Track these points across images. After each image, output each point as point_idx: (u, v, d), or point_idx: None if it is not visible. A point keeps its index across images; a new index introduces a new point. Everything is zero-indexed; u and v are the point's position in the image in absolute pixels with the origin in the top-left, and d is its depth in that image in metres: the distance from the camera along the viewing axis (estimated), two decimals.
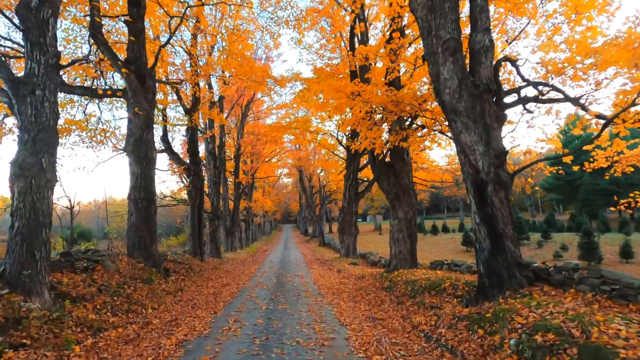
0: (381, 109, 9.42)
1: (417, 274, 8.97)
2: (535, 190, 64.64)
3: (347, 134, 21.25)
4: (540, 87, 7.02)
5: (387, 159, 11.57)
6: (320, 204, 39.96)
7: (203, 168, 22.33)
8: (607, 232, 32.55)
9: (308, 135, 23.68)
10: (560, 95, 6.84)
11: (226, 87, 17.13)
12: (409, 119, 9.97)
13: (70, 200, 11.53)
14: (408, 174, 11.37)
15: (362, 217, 76.50)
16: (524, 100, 6.72)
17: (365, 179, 22.94)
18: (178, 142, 44.78)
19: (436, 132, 8.96)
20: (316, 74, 15.16)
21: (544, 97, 6.89)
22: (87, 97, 10.89)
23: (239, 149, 23.95)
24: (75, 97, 12.09)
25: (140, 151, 9.83)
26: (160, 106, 14.86)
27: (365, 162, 23.35)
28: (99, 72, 10.07)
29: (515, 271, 5.97)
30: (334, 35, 17.09)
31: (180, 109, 16.30)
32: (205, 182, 23.63)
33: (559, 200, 58.66)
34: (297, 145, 32.13)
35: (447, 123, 8.21)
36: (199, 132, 20.67)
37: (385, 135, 10.62)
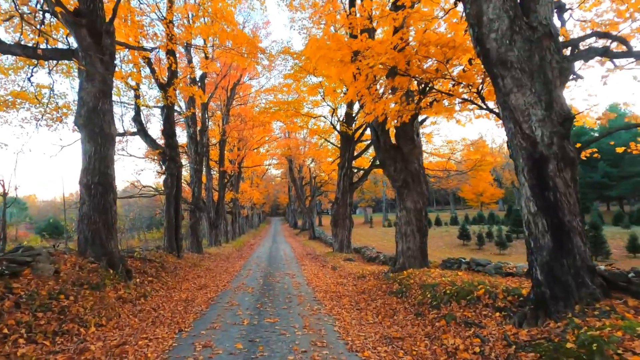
0: (388, 75, 7.74)
1: (433, 275, 7.40)
2: None
3: (342, 119, 19.55)
4: (605, 41, 5.43)
5: (393, 141, 9.93)
6: (310, 196, 38.28)
7: (185, 155, 20.44)
8: (603, 225, 31.89)
9: (299, 121, 21.90)
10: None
11: (208, 62, 15.18)
12: (423, 87, 8.30)
13: (2, 185, 9.53)
14: (418, 157, 9.76)
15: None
16: (592, 52, 5.11)
17: (361, 169, 21.33)
18: (157, 127, 42.36)
19: (459, 103, 7.29)
20: (310, 44, 13.34)
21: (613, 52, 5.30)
22: (29, 60, 8.88)
23: (224, 135, 22.01)
24: (21, 63, 10.05)
25: (94, 125, 7.94)
26: (133, 82, 12.88)
27: (360, 150, 21.74)
28: (39, 29, 8.09)
29: (586, 278, 4.42)
30: None
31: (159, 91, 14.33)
32: (187, 170, 21.74)
33: None
34: (287, 133, 30.28)
35: (479, 88, 6.61)
36: (177, 113, 18.72)
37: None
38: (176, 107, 19.56)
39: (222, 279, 10.49)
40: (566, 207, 4.48)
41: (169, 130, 13.84)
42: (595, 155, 7.75)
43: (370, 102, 7.79)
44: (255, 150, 30.16)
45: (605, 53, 5.01)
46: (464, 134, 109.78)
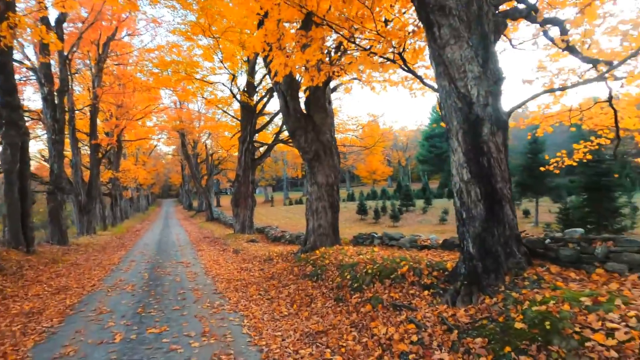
0: (302, 26, 6.65)
1: (350, 254, 6.85)
2: (408, 162, 71.91)
3: (242, 88, 17.75)
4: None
5: (303, 110, 8.97)
6: (207, 175, 35.26)
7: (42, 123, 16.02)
8: None
9: (192, 89, 19.23)
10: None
11: (65, 0, 11.64)
12: (338, 45, 7.45)
13: None
14: (330, 127, 9.04)
15: None
16: (517, 12, 4.85)
17: (264, 144, 20.01)
18: None
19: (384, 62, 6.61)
20: None
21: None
22: None
23: (96, 99, 17.92)
24: None
25: None
26: None
27: (262, 124, 20.34)
28: None
29: (514, 247, 4.23)
30: None
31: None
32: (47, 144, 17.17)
33: (429, 171, 66.08)
34: (178, 103, 26.75)
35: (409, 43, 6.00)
36: (19, 64, 14.46)
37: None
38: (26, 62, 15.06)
39: (92, 277, 8.27)
40: (498, 173, 4.17)
41: (6, 85, 10.25)
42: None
43: (280, 56, 6.57)
44: (140, 121, 25.86)
45: (528, 16, 4.82)
46: (361, 112, 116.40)
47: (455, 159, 4.35)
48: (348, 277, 5.79)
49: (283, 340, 4.15)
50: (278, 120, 20.65)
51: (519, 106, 4.52)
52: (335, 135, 10.04)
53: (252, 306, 5.58)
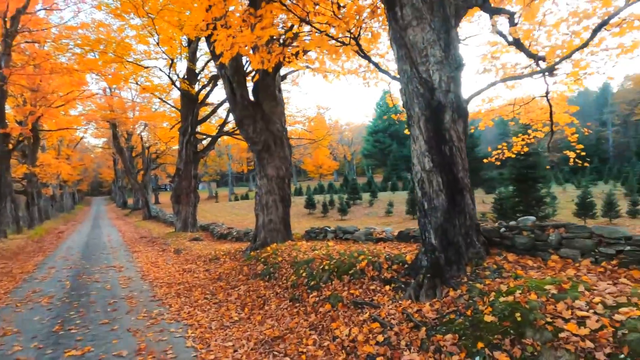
0: (252, 3, 6.07)
1: (303, 249, 6.49)
2: (354, 156, 73.62)
3: (183, 76, 16.42)
4: None
5: (250, 98, 8.36)
6: (144, 170, 32.54)
7: None
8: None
9: (124, 74, 17.37)
10: None
11: None
12: (291, 26, 6.96)
13: None
14: (280, 117, 8.55)
15: None
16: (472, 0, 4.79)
17: (207, 136, 18.81)
18: None
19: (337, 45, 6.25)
20: None
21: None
22: None
23: (4, 80, 15.33)
24: None
25: None
26: None
27: (205, 114, 19.09)
28: None
29: (474, 237, 4.18)
30: None
31: None
32: None
33: (373, 166, 68.17)
34: (108, 90, 24.13)
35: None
36: None
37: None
38: None
39: None
40: (460, 162, 4.07)
41: None
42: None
43: (226, 32, 5.91)
44: (62, 109, 22.85)
45: (484, 4, 4.80)
46: (309, 104, 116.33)
47: (417, 147, 4.18)
48: (304, 274, 5.43)
49: (235, 351, 3.67)
50: (222, 111, 19.57)
51: (477, 94, 4.47)
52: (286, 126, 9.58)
53: (198, 313, 4.98)
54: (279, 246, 7.32)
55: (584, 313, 2.60)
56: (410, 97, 4.15)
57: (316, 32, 5.67)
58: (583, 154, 7.13)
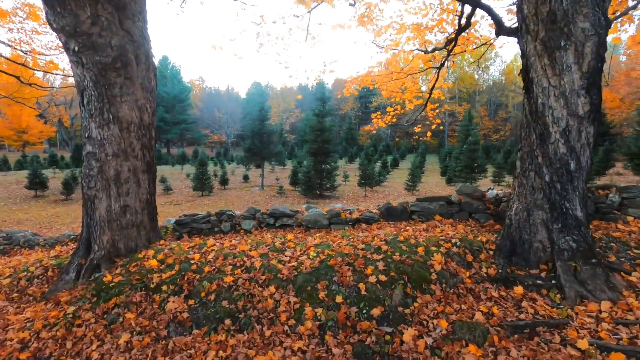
0: None
1: (219, 262, 3.64)
2: (73, 122, 57.63)
3: None
4: None
5: None
6: None
7: None
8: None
9: None
10: None
11: None
12: None
13: None
14: (141, 15, 4.47)
15: None
16: None
17: None
18: None
19: None
20: None
21: None
22: None
23: None
24: None
25: None
26: None
27: None
28: None
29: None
30: None
31: None
32: None
33: None
34: None
35: None
36: None
37: None
38: None
39: None
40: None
41: None
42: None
43: None
44: None
45: None
46: None
47: (562, 82, 2.90)
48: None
49: None
50: None
51: None
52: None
53: None
54: (146, 253, 3.83)
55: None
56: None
57: None
58: None
